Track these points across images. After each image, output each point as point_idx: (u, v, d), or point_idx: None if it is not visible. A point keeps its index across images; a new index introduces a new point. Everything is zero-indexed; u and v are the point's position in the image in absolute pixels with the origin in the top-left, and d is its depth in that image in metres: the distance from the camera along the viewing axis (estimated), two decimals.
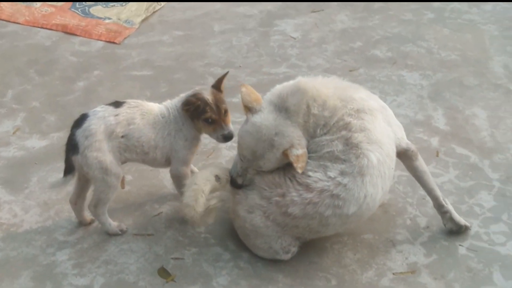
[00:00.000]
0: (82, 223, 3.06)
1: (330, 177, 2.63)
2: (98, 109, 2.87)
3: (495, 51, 4.41)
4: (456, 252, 2.92)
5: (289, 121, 2.64)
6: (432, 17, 4.80)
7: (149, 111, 2.94)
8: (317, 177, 2.64)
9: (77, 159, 2.81)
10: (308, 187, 2.64)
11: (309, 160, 2.66)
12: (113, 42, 4.36)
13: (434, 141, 3.63)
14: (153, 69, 4.14)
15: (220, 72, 4.13)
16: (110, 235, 3.00)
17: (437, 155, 3.53)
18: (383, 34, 4.60)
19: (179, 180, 3.00)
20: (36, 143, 3.55)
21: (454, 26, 4.69)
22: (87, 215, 3.05)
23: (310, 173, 2.65)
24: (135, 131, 2.86)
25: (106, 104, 2.91)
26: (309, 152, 2.70)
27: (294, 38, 4.50)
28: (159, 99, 3.73)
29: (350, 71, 4.19)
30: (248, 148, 2.65)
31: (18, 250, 2.93)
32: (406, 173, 3.36)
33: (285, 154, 2.61)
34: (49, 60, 4.19)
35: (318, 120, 2.71)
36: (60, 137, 3.57)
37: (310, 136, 2.73)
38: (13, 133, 3.61)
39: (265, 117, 2.63)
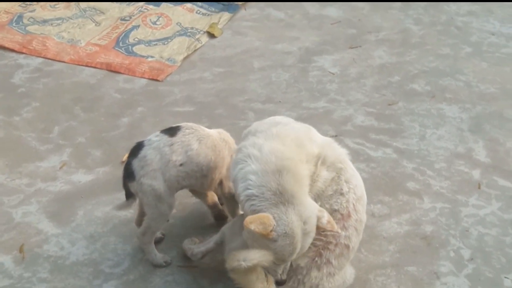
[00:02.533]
0: None
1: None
2: (153, 138, 2.94)
3: None
4: (501, 285, 2.92)
5: (299, 199, 2.57)
6: (469, 51, 4.83)
7: (207, 135, 3.01)
8: None
9: (133, 186, 2.91)
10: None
11: None
12: (156, 80, 4.46)
13: (476, 174, 3.63)
14: (194, 105, 4.23)
15: (260, 107, 4.21)
16: (155, 266, 3.06)
17: (479, 188, 3.53)
18: (420, 69, 4.63)
19: (233, 199, 3.02)
20: (82, 177, 3.64)
21: (492, 60, 4.70)
22: None
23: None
24: (194, 157, 2.92)
25: (161, 132, 2.97)
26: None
27: (333, 74, 4.56)
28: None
29: (389, 104, 4.22)
30: (294, 252, 2.58)
31: (65, 282, 2.99)
32: (448, 205, 3.38)
33: (319, 228, 2.59)
34: (94, 97, 4.30)
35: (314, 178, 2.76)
36: (105, 172, 3.65)
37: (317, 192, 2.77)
38: (60, 168, 3.70)
39: (287, 221, 2.51)
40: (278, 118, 3.05)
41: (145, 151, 2.88)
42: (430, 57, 4.75)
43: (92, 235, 3.24)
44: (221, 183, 3.09)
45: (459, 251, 3.13)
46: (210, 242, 3.00)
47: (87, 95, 4.32)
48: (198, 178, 2.98)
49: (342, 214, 2.74)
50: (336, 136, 3.92)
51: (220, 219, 3.29)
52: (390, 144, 3.88)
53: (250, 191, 2.60)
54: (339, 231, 2.67)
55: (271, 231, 2.47)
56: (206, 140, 2.98)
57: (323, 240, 2.69)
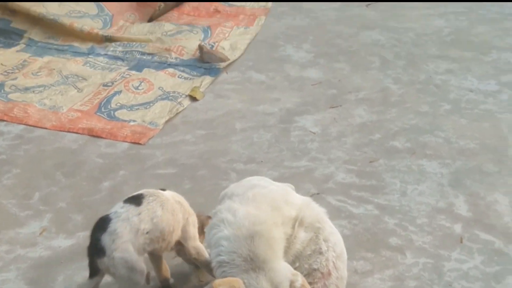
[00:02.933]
0: None
1: None
2: (119, 210, 2.94)
3: None
4: None
5: (270, 265, 2.58)
6: (448, 108, 4.89)
7: (167, 200, 3.04)
8: None
9: (103, 262, 2.86)
10: None
11: None
12: (138, 143, 4.48)
13: (458, 228, 3.62)
14: (177, 167, 4.24)
15: (242, 167, 4.22)
16: None
17: (461, 242, 3.52)
18: (401, 126, 4.67)
19: (200, 254, 3.09)
20: (62, 242, 3.61)
21: (471, 116, 4.76)
22: None
23: None
24: (159, 223, 2.94)
25: (125, 202, 2.98)
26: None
27: (314, 133, 4.59)
28: (183, 195, 3.79)
29: (370, 162, 4.25)
30: None
31: None
32: (431, 260, 3.37)
33: None
34: (75, 162, 4.30)
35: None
36: (86, 236, 3.57)
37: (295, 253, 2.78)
38: (40, 234, 3.68)
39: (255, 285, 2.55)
40: (255, 179, 3.06)
41: (114, 224, 2.87)
42: (410, 115, 4.81)
43: None
44: (181, 245, 3.10)
45: None
46: None
47: (69, 161, 4.33)
48: (159, 242, 2.99)
49: (322, 273, 2.73)
50: (318, 194, 3.93)
51: None
52: (371, 201, 3.88)
53: (221, 257, 2.61)
54: None
55: None
56: (167, 205, 3.02)
57: None
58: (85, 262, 2.98)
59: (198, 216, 3.28)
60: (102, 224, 2.90)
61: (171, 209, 3.02)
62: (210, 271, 3.07)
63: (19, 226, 3.73)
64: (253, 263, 2.55)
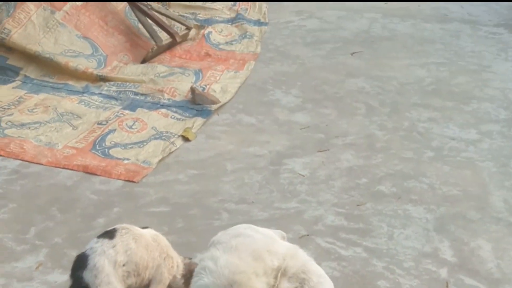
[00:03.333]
0: None
1: None
2: (94, 245, 3.04)
3: (494, 186, 4.64)
4: None
5: None
6: (431, 155, 5.07)
7: (140, 235, 3.16)
8: None
9: None
10: None
11: None
12: (132, 181, 4.58)
13: (443, 272, 3.76)
14: (170, 206, 4.34)
15: (234, 207, 4.34)
16: None
17: (447, 286, 3.65)
18: (386, 171, 4.84)
19: None
20: (58, 277, 3.67)
21: (453, 164, 4.94)
22: None
23: None
24: (132, 256, 3.06)
25: (99, 237, 3.09)
26: None
27: (303, 176, 4.73)
28: (176, 234, 3.95)
29: (358, 205, 4.39)
30: None
31: None
32: None
33: None
34: (70, 198, 4.39)
35: None
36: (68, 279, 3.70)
37: None
38: (36, 268, 3.74)
39: None
40: (243, 227, 3.12)
41: (93, 260, 2.97)
42: (395, 161, 4.98)
43: None
44: (149, 284, 3.19)
45: None
46: None
47: (64, 197, 4.41)
48: (135, 276, 3.09)
49: None
50: (307, 235, 4.05)
51: None
52: (360, 244, 4.01)
53: None
54: None
55: None
56: (140, 240, 3.13)
57: None
58: None
59: (189, 264, 3.38)
60: (80, 262, 3.00)
61: (144, 244, 3.13)
62: None
63: (15, 260, 3.80)
64: None
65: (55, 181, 4.58)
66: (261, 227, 3.85)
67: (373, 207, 4.40)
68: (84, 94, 5.76)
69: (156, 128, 5.30)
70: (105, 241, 3.04)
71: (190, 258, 3.43)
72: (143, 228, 3.33)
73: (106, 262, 2.96)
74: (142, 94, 5.79)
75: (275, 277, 2.83)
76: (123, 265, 3.01)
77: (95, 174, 4.66)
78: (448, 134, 5.42)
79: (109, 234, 3.09)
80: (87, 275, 2.94)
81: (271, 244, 2.95)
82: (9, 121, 5.25)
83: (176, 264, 3.30)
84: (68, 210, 4.28)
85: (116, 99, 5.72)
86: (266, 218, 4.24)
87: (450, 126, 5.56)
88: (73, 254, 3.77)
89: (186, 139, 5.21)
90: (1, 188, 4.48)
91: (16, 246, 3.92)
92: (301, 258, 2.96)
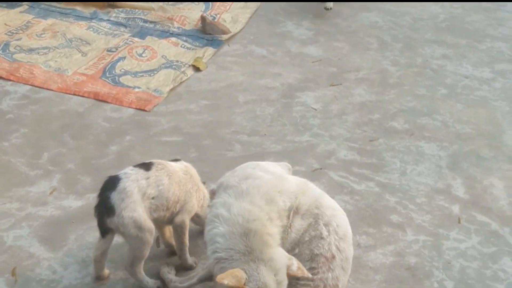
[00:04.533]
0: (99, 279, 3.17)
1: None
2: (129, 171, 3.03)
3: (507, 125, 4.62)
4: None
5: (268, 254, 2.66)
6: (445, 93, 5.03)
7: (174, 171, 3.14)
8: None
9: (113, 221, 2.95)
10: None
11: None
12: (143, 110, 4.54)
13: (455, 209, 3.78)
14: (182, 136, 4.32)
15: (246, 139, 4.31)
16: None
17: (459, 222, 3.67)
18: (399, 107, 4.80)
19: (182, 229, 3.16)
20: (72, 203, 3.68)
21: (467, 102, 4.91)
22: (106, 271, 3.17)
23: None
24: (164, 191, 3.04)
25: (135, 166, 3.08)
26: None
27: (315, 109, 4.70)
28: (189, 163, 3.90)
29: (371, 141, 4.37)
30: None
31: None
32: (430, 238, 3.52)
33: (290, 275, 2.66)
34: (82, 125, 4.36)
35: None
36: (95, 198, 3.69)
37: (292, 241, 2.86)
38: (50, 193, 3.74)
39: (258, 277, 2.61)
40: (250, 166, 3.08)
41: (124, 184, 2.96)
42: (408, 97, 4.94)
43: (84, 259, 3.28)
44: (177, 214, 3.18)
45: (443, 283, 3.26)
46: (194, 278, 3.05)
47: (76, 123, 4.38)
48: (164, 211, 3.09)
49: (326, 257, 2.79)
50: (320, 169, 4.05)
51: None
52: (372, 178, 4.01)
53: (218, 254, 2.71)
54: (310, 275, 2.70)
55: (244, 284, 2.54)
56: (174, 176, 3.11)
57: (310, 285, 2.75)
58: (96, 223, 3.05)
59: (211, 192, 3.31)
60: (111, 183, 2.99)
61: (177, 180, 3.11)
62: (179, 250, 3.23)
63: (29, 185, 3.79)
64: (252, 255, 2.64)
65: (66, 107, 4.54)
66: (273, 160, 3.89)
67: (385, 142, 4.38)
68: (93, 20, 5.67)
69: (166, 56, 5.22)
70: (140, 171, 3.02)
71: (204, 182, 3.39)
72: (175, 160, 3.30)
73: (136, 189, 2.95)
74: (151, 22, 5.69)
75: (288, 217, 2.84)
76: (153, 198, 2.99)
77: (106, 102, 4.62)
78: (461, 72, 5.37)
79: (146, 166, 3.07)
80: (114, 197, 2.93)
81: (281, 184, 2.94)
82: (18, 45, 5.17)
83: (203, 195, 3.30)
84: (80, 136, 4.25)
85: (125, 26, 5.62)
86: (279, 150, 4.22)
87: (464, 64, 5.50)
88: (87, 180, 3.83)
89: (197, 69, 5.14)
90: (12, 113, 4.43)
91: (29, 171, 3.91)
92: (313, 193, 2.97)
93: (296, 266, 2.66)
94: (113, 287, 3.14)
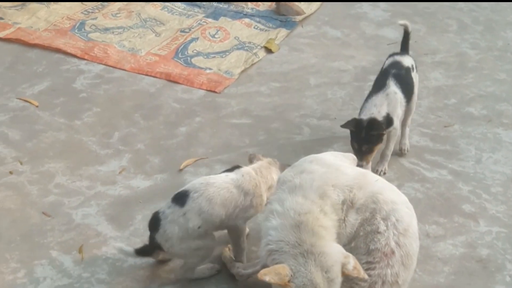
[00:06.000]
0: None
1: None
2: (166, 211, 2.98)
3: None
4: None
5: (319, 248, 2.57)
6: None
7: (216, 193, 2.99)
8: None
9: (164, 253, 3.06)
10: None
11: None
12: (214, 91, 4.54)
13: None
14: (251, 118, 4.29)
15: (316, 123, 4.25)
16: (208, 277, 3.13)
17: None
18: (477, 92, 4.62)
19: (236, 233, 3.14)
20: (140, 183, 3.72)
21: None
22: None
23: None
24: (207, 217, 2.96)
25: (172, 201, 3.00)
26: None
27: None
28: (257, 146, 3.92)
29: (445, 126, 4.23)
30: None
31: (123, 285, 3.08)
32: (504, 230, 3.38)
33: (344, 275, 2.57)
34: (153, 105, 4.40)
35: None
36: (163, 179, 3.74)
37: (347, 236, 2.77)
38: (119, 172, 3.79)
39: (305, 273, 2.52)
40: (307, 161, 2.99)
41: (163, 227, 2.95)
42: (487, 82, 4.75)
43: None
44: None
45: None
46: (258, 265, 3.03)
47: (147, 103, 4.42)
48: (216, 227, 3.06)
49: (384, 252, 2.68)
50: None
51: None
52: (445, 166, 3.88)
53: (270, 246, 2.65)
54: (366, 277, 2.60)
55: (289, 281, 2.48)
56: (215, 199, 2.97)
57: (367, 281, 2.65)
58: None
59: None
60: (153, 224, 3.00)
61: (220, 202, 2.98)
62: (236, 253, 3.17)
63: (99, 164, 3.86)
64: (301, 248, 2.56)
65: (138, 87, 4.59)
66: (342, 145, 3.83)
67: (461, 129, 4.22)
68: (167, 1, 5.68)
69: (238, 38, 5.20)
70: (176, 209, 2.96)
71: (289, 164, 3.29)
72: (232, 169, 3.16)
73: (177, 229, 2.93)
74: (225, 2, 5.67)
75: (342, 210, 2.76)
76: (199, 227, 2.95)
77: (177, 83, 4.64)
78: None
79: (181, 200, 2.98)
80: (158, 238, 2.96)
81: (335, 178, 2.83)
82: (93, 24, 5.25)
83: (263, 201, 3.14)
84: (151, 117, 4.29)
85: (199, 7, 5.62)
86: (348, 136, 4.13)
87: None
88: (156, 161, 3.86)
89: (269, 50, 5.09)
90: (85, 92, 4.51)
91: (100, 150, 3.98)
92: (371, 187, 2.83)
93: (352, 265, 2.55)
94: (176, 268, 3.16)
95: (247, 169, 3.12)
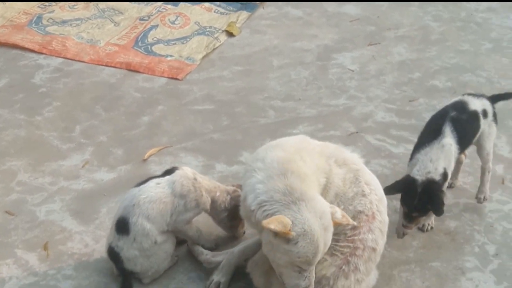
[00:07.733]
0: None
1: None
2: (117, 242, 2.92)
3: None
4: None
5: (309, 195, 2.56)
6: (490, 47, 4.80)
7: (150, 207, 2.93)
8: None
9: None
10: None
11: None
12: (176, 78, 4.48)
13: (499, 169, 3.62)
14: (214, 103, 4.24)
15: (280, 104, 4.21)
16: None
17: (503, 183, 3.51)
18: (441, 65, 4.61)
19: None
20: (104, 175, 3.66)
21: None
22: None
23: None
24: (154, 230, 2.93)
25: (117, 233, 2.92)
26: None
27: (352, 71, 4.55)
28: (221, 131, 3.87)
29: (410, 101, 4.21)
30: (318, 251, 2.52)
31: (90, 279, 3.02)
32: (471, 201, 3.37)
33: (335, 224, 2.55)
34: (114, 96, 4.32)
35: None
36: (127, 170, 3.68)
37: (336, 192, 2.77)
38: (82, 166, 3.72)
39: (302, 219, 2.48)
40: (274, 142, 2.96)
41: (125, 256, 2.90)
42: (451, 53, 4.73)
43: None
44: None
45: (484, 247, 3.12)
46: (227, 253, 3.02)
47: (107, 95, 4.34)
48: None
49: (367, 216, 2.72)
50: (357, 132, 3.92)
51: None
52: (411, 140, 3.82)
53: (259, 198, 2.60)
54: (355, 223, 2.63)
55: (290, 230, 2.44)
56: (152, 213, 2.90)
57: (350, 246, 2.67)
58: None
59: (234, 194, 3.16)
60: (114, 257, 2.93)
61: (157, 213, 2.91)
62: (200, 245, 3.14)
63: (62, 159, 3.78)
64: (292, 196, 2.53)
65: (98, 79, 4.51)
66: (307, 125, 3.77)
67: (426, 102, 4.21)
68: None
69: (199, 23, 5.12)
70: (125, 238, 2.88)
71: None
72: (170, 171, 3.05)
73: (137, 253, 2.89)
74: None
75: (326, 161, 2.76)
76: (155, 242, 2.90)
77: (138, 72, 4.57)
78: (508, 24, 5.13)
79: (124, 229, 2.89)
80: (127, 266, 2.92)
81: (306, 142, 2.88)
82: (51, 18, 5.15)
83: (206, 201, 3.06)
84: (112, 108, 4.22)
85: None
86: (314, 115, 4.10)
87: (511, 16, 5.24)
88: (119, 152, 3.80)
89: (230, 34, 5.03)
90: (44, 87, 4.42)
91: (61, 144, 3.90)
92: (347, 152, 2.90)
93: (340, 213, 2.56)
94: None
95: (183, 172, 3.01)
